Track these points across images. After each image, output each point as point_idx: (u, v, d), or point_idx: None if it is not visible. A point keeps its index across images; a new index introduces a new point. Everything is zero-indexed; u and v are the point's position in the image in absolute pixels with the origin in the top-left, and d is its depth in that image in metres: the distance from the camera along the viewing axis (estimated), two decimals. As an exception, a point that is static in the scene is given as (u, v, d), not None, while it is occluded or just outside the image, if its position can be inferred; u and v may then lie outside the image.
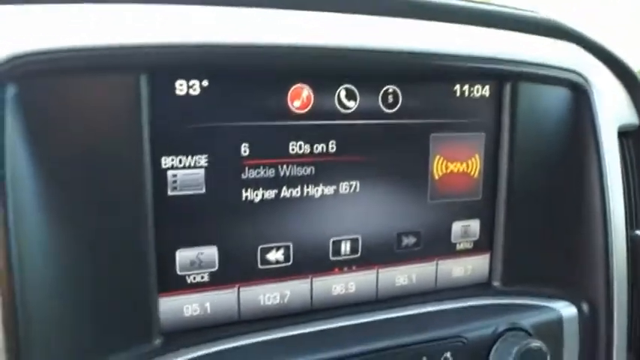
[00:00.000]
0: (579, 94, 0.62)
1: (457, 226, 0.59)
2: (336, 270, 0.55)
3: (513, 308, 0.59)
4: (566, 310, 0.61)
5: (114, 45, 0.43)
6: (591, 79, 0.63)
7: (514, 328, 0.56)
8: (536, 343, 0.55)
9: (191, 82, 0.47)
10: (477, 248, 0.61)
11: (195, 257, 0.50)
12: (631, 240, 0.65)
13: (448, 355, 0.53)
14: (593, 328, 0.62)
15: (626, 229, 0.64)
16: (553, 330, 0.59)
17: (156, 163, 0.47)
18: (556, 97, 0.62)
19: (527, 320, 0.58)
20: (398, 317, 0.56)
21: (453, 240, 0.60)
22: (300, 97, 0.51)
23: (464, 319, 0.56)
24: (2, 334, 0.41)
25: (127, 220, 0.46)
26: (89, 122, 0.44)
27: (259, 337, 0.51)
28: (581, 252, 0.62)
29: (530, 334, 0.57)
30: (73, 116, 0.43)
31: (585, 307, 0.62)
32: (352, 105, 0.53)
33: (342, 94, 0.52)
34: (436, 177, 0.58)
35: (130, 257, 0.46)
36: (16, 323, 0.41)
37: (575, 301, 0.61)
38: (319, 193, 0.53)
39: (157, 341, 0.48)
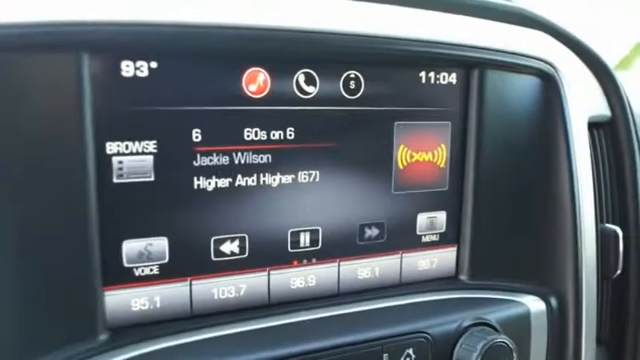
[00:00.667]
0: (548, 83, 0.61)
1: (423, 218, 0.57)
2: (295, 263, 0.53)
3: (480, 302, 0.57)
4: (535, 304, 0.59)
5: (53, 22, 0.41)
6: (561, 69, 0.61)
7: (480, 324, 0.55)
8: (501, 339, 0.53)
9: (138, 64, 0.45)
10: (443, 241, 0.59)
11: (144, 249, 0.47)
12: (600, 233, 0.64)
13: (410, 351, 0.51)
14: (562, 322, 0.61)
15: (596, 222, 0.63)
16: (520, 325, 0.58)
17: (100, 148, 0.44)
18: (525, 86, 0.60)
19: (494, 315, 0.56)
20: (359, 312, 0.53)
21: (418, 232, 0.57)
22: (256, 82, 0.49)
23: (428, 313, 0.54)
24: None
25: (67, 209, 0.43)
26: (27, 104, 0.41)
27: (212, 333, 0.48)
28: (550, 245, 0.61)
29: (496, 330, 0.55)
30: (10, 96, 0.40)
31: (554, 301, 0.60)
32: (312, 90, 0.51)
33: (301, 78, 0.50)
34: (400, 167, 0.55)
35: (71, 249, 0.44)
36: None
37: (543, 296, 0.60)
38: (276, 182, 0.50)
39: (103, 337, 0.46)
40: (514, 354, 0.53)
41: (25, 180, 0.41)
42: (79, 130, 0.43)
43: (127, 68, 0.44)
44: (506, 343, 0.53)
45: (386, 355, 0.50)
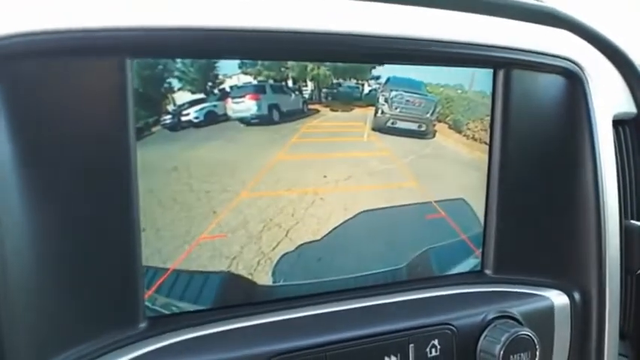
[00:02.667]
0: (573, 81, 0.61)
1: (449, 213, 0.59)
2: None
3: (504, 296, 0.59)
4: (558, 298, 0.60)
5: (100, 28, 0.43)
6: (586, 67, 0.62)
7: (504, 317, 0.56)
8: (525, 332, 0.54)
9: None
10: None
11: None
12: (624, 229, 0.65)
13: (436, 342, 0.53)
14: (585, 316, 0.62)
15: (620, 218, 0.64)
16: (544, 318, 0.59)
17: (142, 146, 0.47)
18: (550, 85, 0.61)
19: (518, 308, 0.57)
20: (386, 304, 0.55)
21: None
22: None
23: (453, 306, 0.56)
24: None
25: (115, 208, 0.46)
26: (73, 105, 0.43)
27: (245, 322, 0.50)
28: (574, 241, 0.62)
29: (520, 323, 0.56)
30: (58, 98, 0.43)
31: (577, 295, 0.61)
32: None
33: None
34: (427, 163, 0.57)
35: (117, 240, 0.46)
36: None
37: (567, 290, 0.61)
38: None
39: (142, 325, 0.48)
40: (537, 347, 0.55)
41: (75, 178, 0.44)
42: (123, 129, 0.45)
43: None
44: (530, 336, 0.54)
45: (412, 345, 0.52)
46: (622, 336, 0.68)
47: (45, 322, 0.44)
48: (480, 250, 0.61)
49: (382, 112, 0.54)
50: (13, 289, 0.42)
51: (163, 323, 0.49)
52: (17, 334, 0.42)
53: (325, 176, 0.53)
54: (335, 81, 0.52)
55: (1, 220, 0.41)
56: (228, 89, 0.48)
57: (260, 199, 0.51)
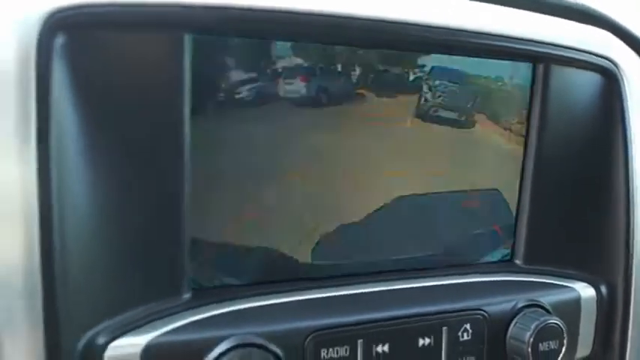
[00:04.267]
0: (609, 80, 0.63)
1: (483, 204, 0.61)
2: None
3: (533, 286, 0.60)
4: (585, 290, 0.62)
5: (161, 3, 0.45)
6: (622, 66, 0.63)
7: (533, 305, 0.57)
8: (554, 320, 0.56)
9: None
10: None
11: (228, 216, 0.51)
12: (652, 228, 0.66)
13: (468, 326, 0.54)
14: (611, 310, 0.63)
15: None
16: (571, 309, 0.60)
17: (195, 120, 0.48)
18: (586, 82, 0.62)
19: (547, 298, 0.59)
20: (421, 287, 0.57)
21: None
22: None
23: (485, 293, 0.57)
24: (40, 277, 0.43)
25: (165, 176, 0.47)
26: (132, 78, 0.45)
27: (285, 298, 0.52)
28: (603, 236, 0.63)
29: (548, 312, 0.58)
30: (119, 70, 0.44)
31: (604, 289, 0.62)
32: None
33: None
34: (464, 154, 0.59)
35: (166, 213, 0.48)
36: (53, 268, 0.43)
37: (594, 283, 0.62)
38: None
39: (186, 296, 0.50)
40: (565, 335, 0.56)
41: (131, 149, 0.45)
42: (179, 103, 0.46)
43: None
44: (559, 325, 0.56)
45: (445, 328, 0.54)
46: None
47: (98, 289, 0.45)
48: (511, 240, 0.63)
49: (425, 100, 0.56)
50: (72, 259, 0.43)
51: (207, 295, 0.50)
52: (70, 300, 0.43)
53: (367, 160, 0.54)
54: (382, 68, 0.53)
55: (62, 190, 0.42)
56: (280, 70, 0.50)
57: (304, 180, 0.52)
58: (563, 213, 0.62)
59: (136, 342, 0.45)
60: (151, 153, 0.46)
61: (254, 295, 0.51)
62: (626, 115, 0.62)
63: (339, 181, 0.54)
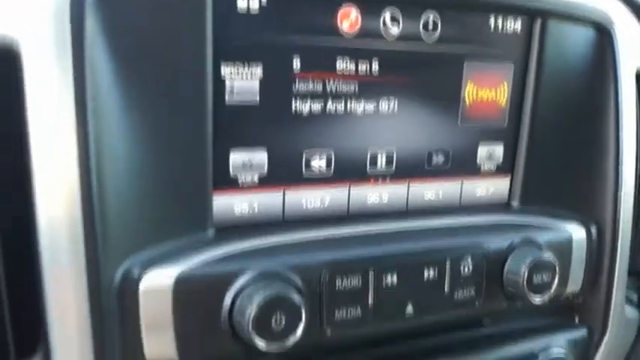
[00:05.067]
0: (603, 34, 0.66)
1: (483, 149, 0.65)
2: (372, 181, 0.60)
3: (529, 226, 0.64)
4: (576, 231, 0.66)
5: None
6: (615, 21, 0.67)
7: (528, 243, 0.62)
8: (547, 256, 0.60)
9: (251, 1, 0.52)
10: (499, 171, 0.66)
11: (247, 160, 0.55)
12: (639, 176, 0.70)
13: (468, 261, 0.59)
14: (599, 250, 0.68)
15: (636, 163, 0.70)
16: (563, 248, 0.65)
17: (216, 72, 0.52)
18: (581, 36, 0.66)
19: (541, 237, 0.63)
20: (425, 227, 0.61)
21: (478, 162, 0.65)
22: (349, 18, 0.55)
23: (484, 232, 0.62)
24: (81, 213, 0.47)
25: (190, 121, 0.51)
26: (160, 31, 0.48)
27: (305, 235, 0.56)
28: (593, 181, 0.68)
29: (542, 249, 0.62)
30: (146, 24, 0.48)
31: (594, 230, 0.67)
32: (395, 29, 0.57)
33: (387, 17, 0.57)
34: (467, 102, 0.62)
35: (191, 155, 0.51)
36: (92, 204, 0.46)
37: (585, 224, 0.67)
38: (361, 108, 0.58)
39: (210, 233, 0.54)
40: (557, 270, 0.61)
41: (159, 95, 0.49)
42: (201, 57, 0.50)
43: (242, 4, 0.51)
44: (551, 261, 0.60)
45: (448, 262, 0.58)
46: (630, 272, 0.74)
47: (132, 224, 0.49)
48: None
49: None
50: (109, 197, 0.47)
51: (230, 233, 0.55)
52: (111, 234, 0.48)
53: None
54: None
55: (98, 133, 0.46)
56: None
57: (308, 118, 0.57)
58: (557, 158, 0.67)
59: (168, 274, 0.49)
60: (179, 98, 0.50)
61: (274, 233, 0.55)
62: (618, 69, 0.66)
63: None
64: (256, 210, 0.56)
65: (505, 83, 0.64)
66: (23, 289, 0.50)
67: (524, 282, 0.59)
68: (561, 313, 0.71)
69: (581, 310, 0.71)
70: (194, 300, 0.50)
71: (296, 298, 0.50)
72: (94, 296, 0.47)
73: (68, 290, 0.47)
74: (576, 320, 0.71)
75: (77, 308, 0.48)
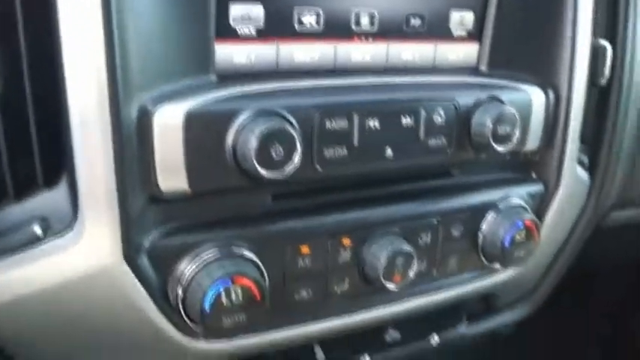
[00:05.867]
0: None
1: (455, 15, 0.72)
2: (356, 39, 0.67)
3: (495, 86, 0.71)
4: (536, 93, 0.74)
5: None
6: None
7: (495, 99, 0.70)
8: (510, 110, 0.68)
9: None
10: (469, 37, 0.73)
11: (245, 12, 0.61)
12: (593, 46, 0.78)
13: (441, 111, 0.66)
14: (555, 112, 0.76)
15: (591, 36, 0.77)
16: (524, 107, 0.72)
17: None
18: None
19: (505, 96, 0.70)
20: (403, 82, 0.68)
21: (450, 27, 0.72)
22: None
23: (455, 88, 0.69)
24: (104, 49, 0.52)
25: None
26: None
27: (294, 84, 0.63)
28: (553, 49, 0.75)
29: (505, 105, 0.70)
30: None
31: (551, 93, 0.75)
32: None
33: None
34: (441, -30, 0.69)
35: (196, 4, 0.57)
36: (113, 42, 0.52)
37: (544, 87, 0.74)
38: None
39: (212, 77, 0.60)
40: (518, 121, 0.68)
41: None
42: None
43: None
44: (514, 114, 0.68)
45: (423, 111, 0.65)
46: (582, 140, 0.83)
47: (145, 60, 0.55)
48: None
49: None
50: (126, 33, 0.53)
51: (229, 79, 0.61)
52: (128, 67, 0.53)
53: None
54: None
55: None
56: None
57: None
58: (522, 26, 0.74)
59: (178, 110, 0.55)
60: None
61: (270, 81, 0.62)
62: None
63: None
64: (253, 60, 0.63)
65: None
66: (48, 123, 0.56)
67: (490, 132, 0.67)
68: (520, 169, 0.80)
69: (537, 167, 0.80)
70: (202, 134, 0.56)
71: (292, 130, 0.57)
72: (115, 129, 0.53)
73: (93, 123, 0.53)
74: (533, 176, 0.80)
75: (100, 141, 0.54)
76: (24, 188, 0.57)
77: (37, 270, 0.56)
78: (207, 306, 0.57)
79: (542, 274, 0.93)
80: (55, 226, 0.56)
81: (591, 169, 0.86)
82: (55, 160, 0.56)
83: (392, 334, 0.80)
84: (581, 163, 0.84)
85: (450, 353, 1.04)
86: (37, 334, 0.60)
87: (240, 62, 0.62)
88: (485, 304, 0.92)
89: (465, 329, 0.86)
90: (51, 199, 0.57)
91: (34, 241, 0.56)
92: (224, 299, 0.58)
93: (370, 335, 0.78)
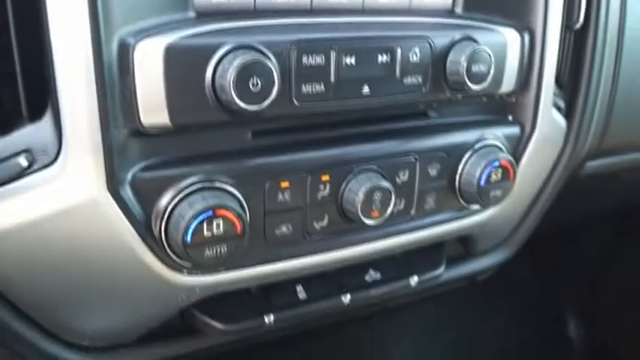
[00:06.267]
0: None
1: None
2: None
3: (470, 27, 0.73)
4: (511, 35, 0.75)
5: None
6: None
7: (468, 39, 0.71)
8: (484, 48, 0.69)
9: None
10: None
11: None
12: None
13: (416, 50, 0.68)
14: (530, 54, 0.77)
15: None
16: (499, 48, 0.73)
17: None
18: None
19: (480, 36, 0.72)
20: (379, 21, 0.70)
21: None
22: None
23: (430, 29, 0.70)
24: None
25: None
26: None
27: (272, 22, 0.64)
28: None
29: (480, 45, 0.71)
30: None
31: (526, 36, 0.76)
32: None
33: None
34: None
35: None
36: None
37: (519, 30, 0.76)
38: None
39: (191, 14, 0.61)
40: (492, 61, 0.70)
41: None
42: None
43: None
44: (488, 52, 0.70)
45: (399, 48, 0.67)
46: (558, 84, 0.84)
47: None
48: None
49: None
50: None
51: (208, 16, 0.62)
52: (111, 1, 0.55)
53: None
54: None
55: None
56: None
57: None
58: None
59: (158, 43, 0.57)
60: None
61: (248, 18, 0.63)
62: None
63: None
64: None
65: None
66: (32, 57, 0.57)
67: (464, 70, 0.69)
68: (497, 112, 0.82)
69: (514, 110, 0.82)
70: (181, 68, 0.58)
71: (269, 64, 0.58)
72: (97, 62, 0.55)
73: (75, 57, 0.55)
74: (510, 118, 0.82)
75: (83, 75, 0.55)
76: (9, 122, 0.58)
77: (22, 203, 0.58)
78: (188, 236, 0.59)
79: (519, 220, 0.95)
80: (40, 159, 0.58)
81: (568, 114, 0.88)
82: (39, 94, 0.58)
83: (372, 275, 0.82)
84: (558, 107, 0.86)
85: (431, 300, 1.08)
86: (23, 270, 0.62)
87: (218, 0, 0.63)
88: (464, 249, 0.95)
89: (443, 272, 0.89)
90: (36, 133, 0.58)
91: (20, 172, 0.57)
92: (205, 230, 0.60)
93: (351, 275, 0.80)
